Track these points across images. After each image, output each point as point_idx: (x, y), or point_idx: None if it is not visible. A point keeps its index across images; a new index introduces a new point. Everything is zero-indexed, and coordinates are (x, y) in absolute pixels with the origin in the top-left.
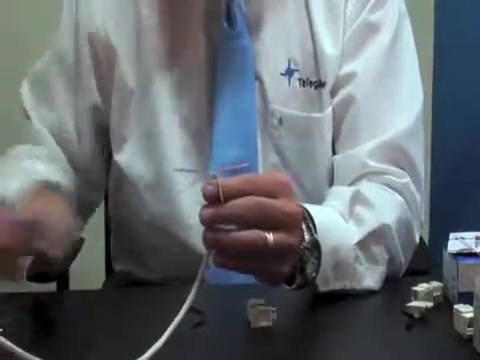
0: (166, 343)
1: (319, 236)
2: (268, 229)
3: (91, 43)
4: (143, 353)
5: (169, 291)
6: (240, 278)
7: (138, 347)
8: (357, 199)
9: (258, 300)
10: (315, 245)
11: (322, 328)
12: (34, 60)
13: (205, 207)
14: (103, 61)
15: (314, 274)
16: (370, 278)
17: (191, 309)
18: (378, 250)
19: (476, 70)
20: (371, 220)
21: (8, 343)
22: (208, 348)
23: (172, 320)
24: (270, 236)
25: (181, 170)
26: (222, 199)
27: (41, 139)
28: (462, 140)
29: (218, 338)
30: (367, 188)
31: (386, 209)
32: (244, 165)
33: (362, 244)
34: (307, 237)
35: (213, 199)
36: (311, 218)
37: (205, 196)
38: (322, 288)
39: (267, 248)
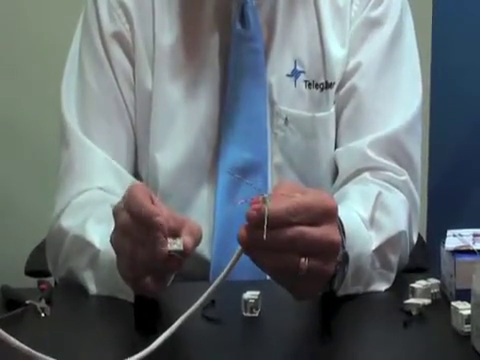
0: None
1: (347, 246)
2: (305, 255)
3: (119, 42)
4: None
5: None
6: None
7: (140, 344)
8: (378, 205)
9: (253, 292)
10: (345, 258)
11: (320, 325)
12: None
13: (246, 230)
14: (130, 61)
15: (340, 284)
16: (380, 282)
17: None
18: (393, 256)
19: (474, 66)
20: (389, 227)
21: (10, 337)
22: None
23: (170, 317)
24: (305, 263)
25: None
26: (265, 229)
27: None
28: (460, 137)
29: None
30: (387, 196)
31: (401, 214)
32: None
33: (379, 251)
34: (340, 250)
35: (256, 224)
36: (342, 227)
37: (249, 220)
38: (340, 293)
39: (300, 273)
